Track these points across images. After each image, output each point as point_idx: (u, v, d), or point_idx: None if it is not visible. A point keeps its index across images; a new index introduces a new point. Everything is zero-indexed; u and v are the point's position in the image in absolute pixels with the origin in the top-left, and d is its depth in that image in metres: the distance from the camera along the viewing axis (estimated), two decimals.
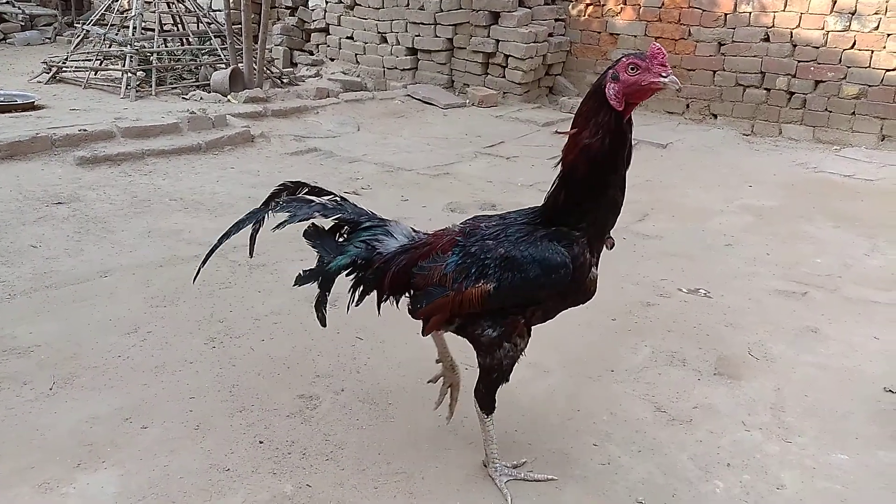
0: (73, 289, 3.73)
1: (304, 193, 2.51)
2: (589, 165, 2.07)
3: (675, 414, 2.85)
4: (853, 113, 7.59)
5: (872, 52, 7.35)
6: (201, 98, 7.90)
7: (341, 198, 2.53)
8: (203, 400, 2.82)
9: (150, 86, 8.21)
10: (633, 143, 2.11)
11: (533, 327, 2.33)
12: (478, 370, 2.37)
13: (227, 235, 2.49)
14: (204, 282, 3.88)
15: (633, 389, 3.01)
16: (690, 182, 6.18)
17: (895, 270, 4.47)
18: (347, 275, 2.47)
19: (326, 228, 2.50)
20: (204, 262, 2.48)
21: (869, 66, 7.40)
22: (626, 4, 8.67)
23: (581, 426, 2.75)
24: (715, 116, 8.38)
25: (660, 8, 8.44)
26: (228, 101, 7.83)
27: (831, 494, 2.43)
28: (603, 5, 8.86)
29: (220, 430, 2.64)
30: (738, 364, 3.26)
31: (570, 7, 9.14)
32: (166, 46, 9.08)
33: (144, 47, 8.55)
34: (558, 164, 2.15)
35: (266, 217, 2.52)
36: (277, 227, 2.45)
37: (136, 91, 7.98)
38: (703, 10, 8.18)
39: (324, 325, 2.51)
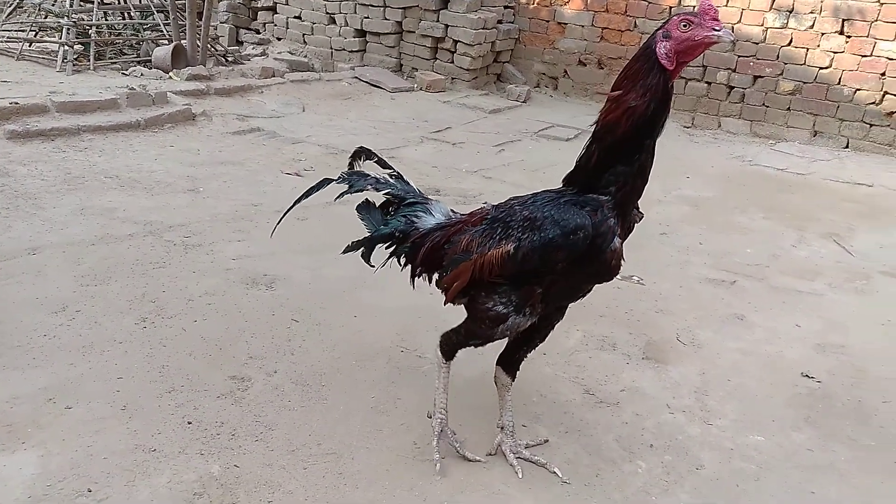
0: None
1: (374, 161, 2.65)
2: (631, 128, 2.04)
3: (603, 396, 2.93)
4: (788, 108, 7.83)
5: (808, 49, 7.58)
6: (142, 74, 7.70)
7: (397, 174, 2.64)
8: (131, 380, 2.78)
9: (89, 60, 7.96)
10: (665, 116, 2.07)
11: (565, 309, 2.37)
12: (462, 321, 2.38)
13: (305, 195, 2.58)
14: (137, 261, 3.81)
15: (564, 372, 3.08)
16: None
17: (819, 261, 4.65)
18: (388, 247, 2.56)
19: (378, 203, 2.63)
20: (279, 220, 2.72)
21: (804, 64, 7.64)
22: None
23: (512, 407, 2.79)
24: None
25: None
26: (170, 77, 7.64)
27: (746, 474, 2.53)
28: None
29: (148, 410, 2.60)
30: (667, 349, 3.36)
31: None
32: (106, 19, 8.81)
33: (83, 19, 8.28)
34: (594, 124, 2.13)
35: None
36: (339, 196, 2.61)
37: (74, 65, 7.73)
38: (650, 3, 8.31)
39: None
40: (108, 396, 2.65)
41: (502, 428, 2.54)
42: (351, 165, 2.68)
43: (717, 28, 1.95)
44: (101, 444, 2.39)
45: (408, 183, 2.64)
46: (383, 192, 2.59)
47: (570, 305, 2.42)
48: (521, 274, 2.17)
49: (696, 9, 2.00)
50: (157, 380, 2.79)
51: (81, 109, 6.24)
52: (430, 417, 2.49)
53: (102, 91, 6.68)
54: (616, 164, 2.08)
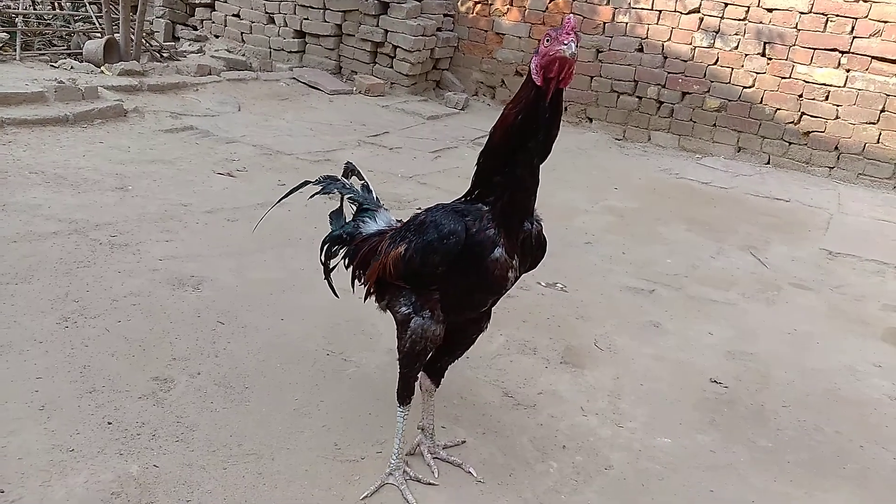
0: None
1: (351, 174, 2.85)
2: (501, 136, 2.10)
3: (520, 399, 3.04)
4: (714, 125, 8.16)
5: (732, 69, 7.92)
6: (72, 67, 7.50)
7: (365, 184, 2.82)
8: (51, 380, 2.75)
9: (15, 50, 7.71)
10: (559, 128, 2.10)
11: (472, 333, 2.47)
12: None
13: (286, 195, 2.83)
14: (61, 260, 3.76)
15: (485, 375, 3.18)
16: (560, 182, 6.47)
17: (734, 272, 4.89)
18: (339, 248, 2.70)
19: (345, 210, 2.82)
20: (262, 218, 3.02)
21: (729, 83, 7.98)
22: (511, 6, 8.92)
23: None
24: (590, 120, 8.78)
25: (544, 12, 8.74)
26: (102, 72, 7.47)
27: (651, 473, 2.67)
28: (490, 4, 9.07)
29: (67, 410, 2.59)
30: (584, 354, 3.50)
31: (458, 3, 9.30)
32: (35, 8, 8.56)
33: (10, 7, 8.02)
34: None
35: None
36: (311, 196, 2.83)
37: None
38: (584, 17, 8.54)
39: (335, 294, 2.79)
40: (25, 396, 2.62)
41: (422, 429, 2.63)
42: (346, 175, 2.85)
43: (565, 42, 1.93)
44: (16, 444, 2.37)
45: (370, 192, 2.79)
46: (346, 196, 2.77)
47: (492, 314, 2.50)
48: (412, 276, 2.27)
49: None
50: (77, 380, 2.77)
51: (6, 101, 6.05)
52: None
53: (29, 83, 6.50)
54: (494, 175, 2.14)
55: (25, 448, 2.36)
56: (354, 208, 2.75)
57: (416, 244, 2.24)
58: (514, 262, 2.21)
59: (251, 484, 2.35)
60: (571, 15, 2.06)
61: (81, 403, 2.64)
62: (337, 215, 2.80)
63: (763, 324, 4.13)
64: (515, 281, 2.29)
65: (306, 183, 2.79)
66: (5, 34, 7.79)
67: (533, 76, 2.01)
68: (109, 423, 2.55)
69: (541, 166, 2.15)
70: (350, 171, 2.85)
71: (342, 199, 2.83)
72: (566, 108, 8.83)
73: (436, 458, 2.57)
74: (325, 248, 2.75)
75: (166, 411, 2.66)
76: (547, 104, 2.03)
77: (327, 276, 2.79)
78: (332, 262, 2.76)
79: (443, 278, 2.22)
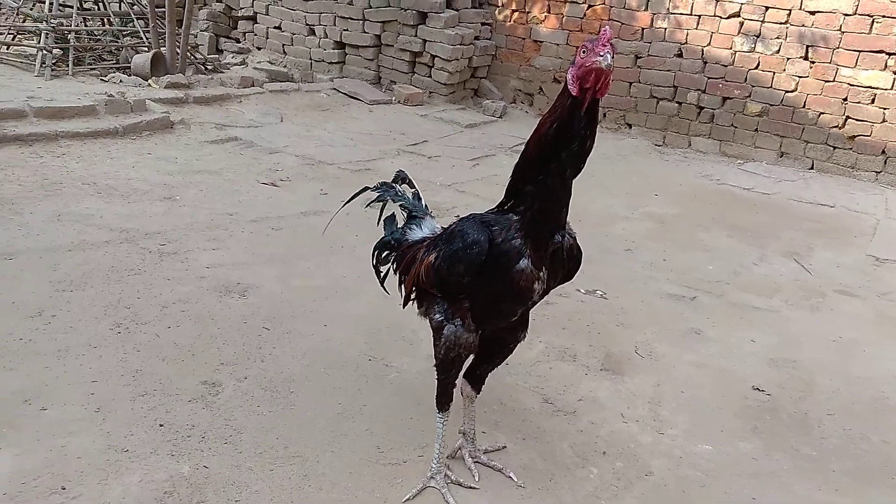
0: None
1: (402, 182, 2.90)
2: (535, 145, 2.10)
3: (560, 405, 3.06)
4: (756, 130, 8.06)
5: (774, 73, 7.82)
6: (121, 81, 7.75)
7: (416, 192, 2.87)
8: (105, 384, 2.86)
9: (67, 65, 7.99)
10: (594, 138, 2.08)
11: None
12: None
13: (348, 201, 2.95)
14: (112, 268, 3.89)
15: (525, 382, 3.21)
16: (600, 189, 6.47)
17: (777, 279, 4.83)
18: (388, 254, 2.77)
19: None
20: (330, 220, 3.13)
21: (771, 87, 7.87)
22: (549, 13, 8.94)
23: (474, 416, 2.91)
24: (630, 126, 8.74)
25: (582, 18, 8.74)
26: (149, 85, 7.71)
27: (692, 480, 2.67)
28: (528, 12, 9.11)
29: (121, 413, 2.69)
30: (624, 361, 3.50)
31: (496, 12, 9.36)
32: (86, 25, 8.85)
33: (62, 24, 8.31)
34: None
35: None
36: (368, 204, 2.90)
37: (52, 70, 7.76)
38: (623, 24, 8.52)
39: (387, 291, 2.80)
40: (82, 399, 2.73)
41: (464, 434, 2.67)
42: (397, 182, 2.91)
43: (601, 53, 1.94)
44: (75, 444, 2.48)
45: (420, 200, 2.85)
46: (398, 203, 2.82)
47: (530, 322, 2.52)
48: (441, 284, 2.32)
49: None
50: (130, 383, 2.88)
51: (59, 115, 6.28)
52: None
53: (81, 97, 6.73)
54: (526, 185, 2.14)
55: (83, 448, 2.47)
56: (405, 215, 2.81)
57: (443, 253, 2.29)
58: (541, 273, 2.20)
59: (297, 485, 2.42)
60: (608, 27, 2.07)
61: (134, 406, 2.74)
62: (390, 221, 2.85)
63: (807, 331, 4.08)
64: (544, 293, 2.30)
65: (366, 189, 2.88)
66: (59, 50, 8.07)
67: (569, 86, 2.02)
68: (161, 426, 2.64)
69: (579, 173, 2.15)
70: (401, 178, 2.89)
71: (381, 206, 2.89)
72: (605, 115, 8.81)
73: (476, 461, 2.61)
74: (375, 253, 2.80)
75: (215, 414, 2.74)
76: (583, 114, 2.04)
77: (381, 282, 2.81)
78: (383, 268, 2.80)
79: (470, 287, 2.26)
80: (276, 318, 3.53)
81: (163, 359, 3.08)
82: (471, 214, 2.35)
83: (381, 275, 2.81)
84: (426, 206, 2.84)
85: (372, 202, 2.88)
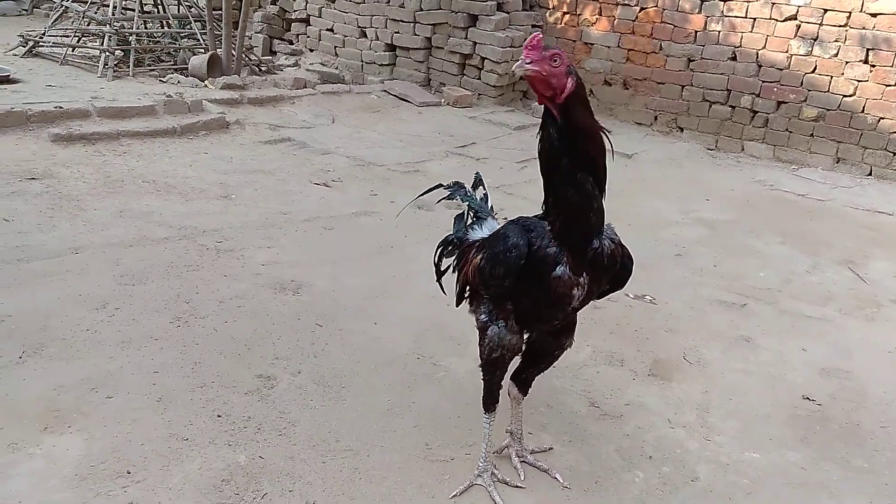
0: (44, 263, 3.85)
1: (479, 185, 2.95)
2: (539, 160, 2.16)
3: (607, 409, 3.08)
4: (811, 135, 7.90)
5: (832, 77, 7.66)
6: (178, 82, 7.98)
7: (485, 193, 2.91)
8: (166, 375, 2.98)
9: (128, 66, 8.26)
10: (590, 139, 2.10)
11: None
12: None
13: (423, 194, 3.00)
14: (172, 263, 4.03)
15: (572, 385, 3.23)
16: (651, 193, 6.43)
17: (831, 287, 4.75)
18: (450, 251, 2.79)
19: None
20: (406, 205, 3.28)
21: (828, 91, 7.71)
22: (601, 15, 8.91)
23: (521, 417, 2.95)
24: (681, 130, 8.65)
25: (633, 21, 8.68)
26: (205, 86, 7.91)
27: (738, 487, 2.66)
28: (579, 14, 9.09)
29: (181, 403, 2.80)
30: (672, 367, 3.49)
31: (547, 14, 9.36)
32: (146, 28, 9.13)
33: (124, 27, 8.60)
34: None
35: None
36: (439, 200, 2.98)
37: (114, 71, 8.03)
38: (675, 26, 8.44)
39: (443, 290, 2.82)
40: (144, 388, 2.86)
41: (511, 433, 2.71)
42: (475, 186, 2.96)
43: (525, 59, 2.01)
44: (139, 431, 2.60)
45: (487, 201, 2.89)
46: (466, 203, 2.85)
47: (576, 328, 2.55)
48: (485, 285, 2.35)
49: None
50: (189, 375, 2.99)
51: (121, 115, 6.51)
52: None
53: (141, 97, 6.97)
54: (548, 196, 2.18)
55: (146, 435, 2.58)
56: (471, 215, 2.85)
57: (487, 254, 2.34)
58: (580, 279, 2.21)
59: (348, 478, 2.49)
60: (539, 32, 2.08)
61: (194, 397, 2.85)
62: (458, 220, 2.88)
63: (861, 341, 4.01)
64: (585, 299, 2.29)
65: (439, 185, 2.92)
66: (120, 52, 8.34)
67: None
68: (219, 416, 2.75)
69: (602, 181, 2.15)
70: (478, 181, 2.94)
71: (463, 205, 2.93)
72: (656, 118, 8.75)
73: (523, 461, 2.65)
74: (438, 250, 2.84)
75: (270, 407, 2.84)
76: (559, 123, 2.07)
77: (439, 279, 2.85)
78: (444, 265, 2.84)
79: (511, 290, 2.29)
80: (327, 315, 3.62)
81: (220, 352, 3.20)
82: (518, 217, 2.39)
83: (441, 271, 2.84)
84: (492, 207, 2.86)
85: (442, 199, 2.94)
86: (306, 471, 2.50)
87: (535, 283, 2.22)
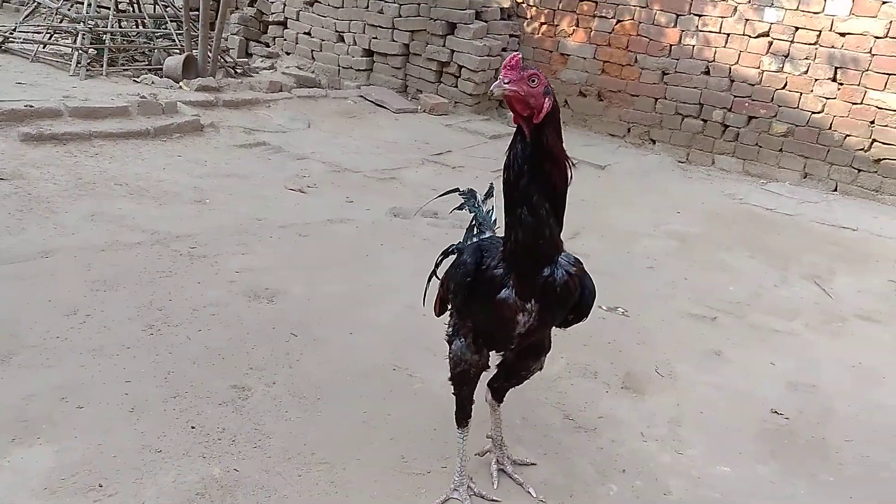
0: (12, 267, 3.78)
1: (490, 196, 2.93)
2: (503, 183, 2.12)
3: (581, 422, 3.11)
4: (780, 150, 8.05)
5: (801, 94, 7.82)
6: (153, 82, 7.89)
7: (491, 208, 2.87)
8: (139, 384, 2.94)
9: (101, 65, 8.15)
10: (553, 162, 2.08)
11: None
12: None
13: (438, 197, 2.98)
14: (144, 269, 3.99)
15: (546, 398, 3.26)
16: (623, 205, 6.51)
17: (798, 302, 4.84)
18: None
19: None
20: (423, 206, 2.92)
21: (797, 107, 7.86)
22: (578, 27, 8.99)
23: (501, 423, 2.96)
24: (654, 142, 8.76)
25: (610, 33, 8.78)
26: (180, 87, 7.84)
27: (710, 501, 2.71)
28: (556, 25, 9.16)
29: (154, 413, 2.77)
30: (645, 380, 3.54)
31: (525, 24, 9.42)
32: (120, 26, 9.01)
33: (98, 25, 8.48)
34: None
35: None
36: (452, 210, 2.99)
37: (87, 70, 7.92)
38: (651, 40, 8.55)
39: (423, 302, 2.78)
40: (117, 398, 2.82)
41: (492, 439, 2.72)
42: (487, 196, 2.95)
43: (504, 80, 1.99)
44: (111, 442, 2.56)
45: (492, 213, 2.86)
46: (472, 213, 2.85)
47: (545, 354, 2.56)
48: (446, 298, 2.40)
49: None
50: (162, 385, 2.96)
51: (93, 115, 6.41)
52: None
53: (114, 98, 6.87)
54: (506, 217, 2.14)
55: (119, 446, 2.55)
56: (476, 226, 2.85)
57: (448, 269, 2.38)
58: (527, 305, 2.18)
59: (324, 491, 2.49)
60: (518, 52, 2.08)
61: (167, 407, 2.82)
62: (468, 231, 2.86)
63: (827, 356, 4.10)
64: (538, 328, 2.27)
65: (456, 190, 2.91)
66: (94, 50, 8.23)
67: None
68: (193, 427, 2.72)
69: (560, 205, 2.12)
70: (490, 192, 2.92)
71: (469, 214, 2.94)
72: (629, 130, 8.85)
73: (501, 469, 2.66)
74: (438, 259, 2.81)
75: (244, 418, 2.82)
76: (528, 143, 2.05)
77: (426, 289, 2.79)
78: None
79: (463, 307, 2.33)
80: (303, 324, 3.61)
81: (194, 361, 3.17)
82: (491, 236, 2.40)
83: (430, 278, 2.80)
84: (495, 220, 2.84)
85: (454, 209, 2.94)
86: (282, 484, 2.49)
87: (483, 304, 2.23)
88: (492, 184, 2.95)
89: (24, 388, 2.80)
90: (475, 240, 2.69)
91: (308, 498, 2.44)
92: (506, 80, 1.99)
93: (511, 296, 2.17)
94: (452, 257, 2.59)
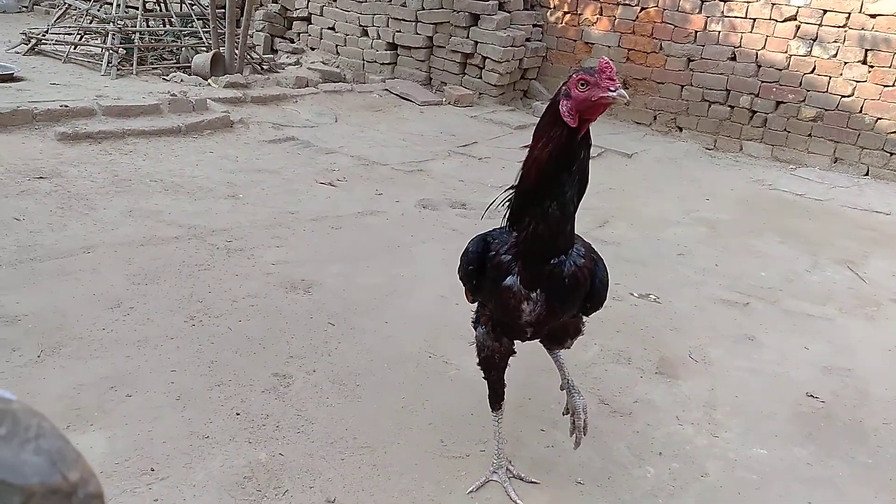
0: (57, 262, 3.89)
1: None
2: (536, 177, 2.11)
3: (616, 407, 3.14)
4: (810, 135, 7.98)
5: (830, 77, 7.74)
6: (182, 80, 8.01)
7: None
8: (184, 373, 3.03)
9: (131, 64, 8.29)
10: (590, 159, 2.15)
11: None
12: None
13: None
14: (183, 262, 4.07)
15: (581, 383, 3.26)
16: (652, 192, 6.50)
17: (831, 286, 4.82)
18: None
19: None
20: (487, 208, 2.69)
21: (826, 91, 7.79)
22: (602, 15, 8.96)
23: (531, 413, 3.02)
24: (680, 129, 8.72)
25: (634, 21, 8.74)
26: (209, 84, 7.95)
27: (747, 483, 2.73)
28: (580, 14, 9.15)
29: (200, 401, 2.85)
30: (678, 365, 3.56)
31: (548, 14, 9.41)
32: (149, 26, 9.15)
33: (127, 25, 8.62)
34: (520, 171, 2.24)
35: None
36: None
37: (117, 69, 8.06)
38: (675, 26, 8.50)
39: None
40: (163, 387, 2.90)
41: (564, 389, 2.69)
42: None
43: (612, 88, 1.97)
44: (160, 429, 2.64)
45: None
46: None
47: (569, 340, 2.58)
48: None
49: (595, 67, 2.02)
50: (206, 374, 3.04)
51: (126, 113, 6.54)
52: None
53: (145, 96, 6.99)
54: (526, 208, 2.16)
55: (168, 433, 2.63)
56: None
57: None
58: (532, 294, 2.20)
59: (367, 474, 2.54)
60: (608, 59, 2.04)
61: (212, 395, 2.90)
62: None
63: (862, 340, 4.08)
64: (547, 318, 2.27)
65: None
66: (123, 50, 8.37)
67: (565, 118, 2.04)
68: (238, 414, 2.79)
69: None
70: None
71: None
72: (655, 118, 8.82)
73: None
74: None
75: (287, 405, 2.89)
76: (580, 141, 2.08)
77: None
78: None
79: (474, 294, 2.39)
80: (339, 314, 3.67)
81: (236, 351, 3.24)
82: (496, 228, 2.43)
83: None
84: None
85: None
86: (325, 467, 2.55)
87: (492, 292, 2.28)
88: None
89: (74, 379, 2.89)
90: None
91: (351, 481, 2.50)
92: (613, 88, 1.99)
93: (516, 283, 2.21)
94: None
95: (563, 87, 2.06)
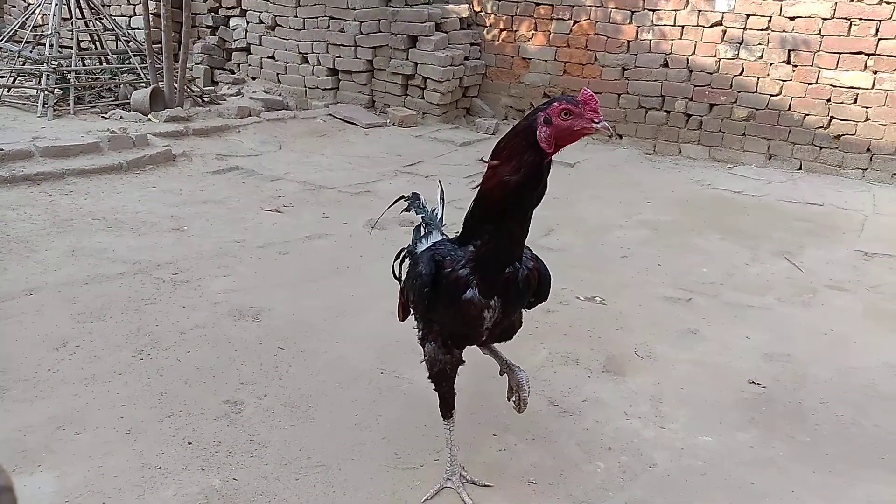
0: None
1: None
2: (503, 198, 2.15)
3: (566, 407, 3.21)
4: (744, 134, 8.25)
5: (758, 78, 8.03)
6: (121, 117, 7.95)
7: (433, 208, 3.01)
8: (133, 407, 3.01)
9: (69, 104, 8.19)
10: (543, 189, 2.18)
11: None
12: None
13: (389, 207, 3.16)
14: (129, 298, 4.05)
15: (532, 387, 3.33)
16: (594, 199, 6.65)
17: (769, 278, 4.99)
18: (403, 260, 2.91)
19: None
20: (376, 221, 3.00)
21: (756, 92, 8.08)
22: (536, 30, 9.16)
23: (483, 419, 3.07)
24: (620, 137, 8.93)
25: (568, 34, 8.96)
26: (149, 120, 7.90)
27: (693, 470, 2.82)
28: (515, 31, 9.33)
29: (151, 433, 2.84)
30: (625, 362, 3.65)
31: (484, 32, 9.58)
32: (84, 64, 9.06)
33: (62, 65, 8.52)
34: (477, 186, 2.28)
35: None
36: (402, 211, 3.13)
37: (54, 110, 7.96)
38: (608, 37, 8.74)
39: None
40: (113, 422, 2.88)
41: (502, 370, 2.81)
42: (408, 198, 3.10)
43: (596, 120, 2.04)
44: (111, 464, 2.62)
45: (435, 212, 2.98)
46: (419, 214, 2.95)
47: (521, 327, 2.68)
48: (411, 307, 2.52)
49: (577, 96, 2.06)
50: (156, 406, 3.03)
51: (65, 154, 6.46)
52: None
53: (84, 135, 6.92)
54: (485, 224, 2.23)
55: (119, 467, 2.61)
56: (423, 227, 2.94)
57: (405, 280, 2.49)
58: (491, 302, 2.30)
59: (322, 492, 2.56)
60: (588, 90, 2.09)
61: (163, 427, 2.89)
62: (416, 231, 2.94)
63: (800, 326, 4.24)
64: (501, 319, 2.39)
65: (402, 197, 3.06)
66: (59, 90, 8.27)
67: (542, 144, 2.08)
68: (189, 443, 2.79)
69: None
70: (441, 195, 3.08)
71: (417, 216, 3.04)
72: None
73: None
74: (393, 263, 2.94)
75: (239, 430, 2.89)
76: (544, 165, 2.14)
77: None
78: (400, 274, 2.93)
79: (427, 313, 2.44)
80: (289, 338, 3.69)
81: (185, 381, 3.23)
82: (436, 243, 2.51)
83: (398, 278, 2.91)
84: (441, 219, 2.95)
85: (403, 210, 3.08)
86: (280, 489, 2.57)
87: (448, 307, 2.34)
88: (441, 188, 3.12)
89: (20, 421, 2.85)
90: (424, 241, 2.76)
91: (307, 499, 2.52)
92: (597, 120, 2.05)
93: (475, 295, 2.29)
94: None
95: (542, 114, 2.08)
